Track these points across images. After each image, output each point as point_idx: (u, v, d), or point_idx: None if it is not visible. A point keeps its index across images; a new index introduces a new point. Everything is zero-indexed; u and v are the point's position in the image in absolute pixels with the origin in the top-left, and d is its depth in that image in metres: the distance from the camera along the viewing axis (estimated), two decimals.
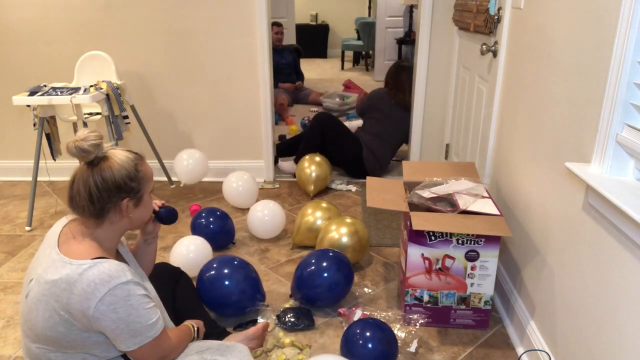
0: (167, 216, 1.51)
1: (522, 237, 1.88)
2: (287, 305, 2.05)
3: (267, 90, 3.26)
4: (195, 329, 1.51)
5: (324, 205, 2.53)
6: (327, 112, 3.50)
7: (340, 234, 2.28)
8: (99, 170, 1.23)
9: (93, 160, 1.24)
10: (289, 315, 1.95)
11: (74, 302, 1.16)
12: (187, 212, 2.96)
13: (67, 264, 1.18)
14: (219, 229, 2.48)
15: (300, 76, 5.69)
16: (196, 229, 2.48)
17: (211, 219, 2.49)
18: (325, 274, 1.97)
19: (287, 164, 3.56)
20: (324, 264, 1.99)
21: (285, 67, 5.48)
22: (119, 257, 1.40)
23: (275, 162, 3.61)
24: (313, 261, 2.02)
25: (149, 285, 1.40)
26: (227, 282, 1.90)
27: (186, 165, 3.04)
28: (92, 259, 1.20)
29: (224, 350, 1.43)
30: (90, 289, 1.15)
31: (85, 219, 1.27)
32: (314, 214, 2.48)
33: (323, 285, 1.97)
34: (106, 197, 1.24)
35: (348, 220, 2.34)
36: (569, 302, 1.45)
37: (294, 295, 2.05)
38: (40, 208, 3.05)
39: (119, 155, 1.27)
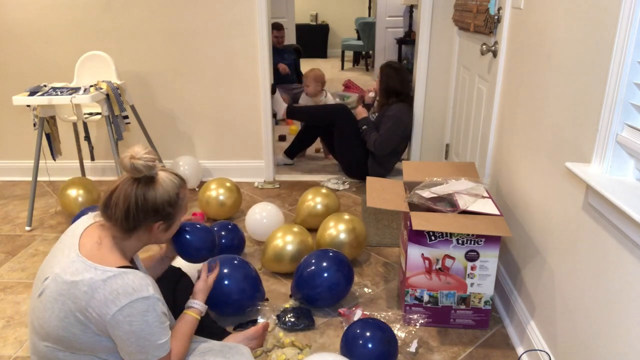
0: (184, 250, 1.51)
1: (522, 237, 1.88)
2: (287, 305, 2.05)
3: (267, 91, 3.26)
4: (200, 310, 1.50)
5: (323, 191, 2.62)
6: (347, 109, 3.35)
7: (338, 230, 2.28)
8: (143, 189, 1.25)
9: (141, 178, 1.26)
10: (288, 315, 1.95)
11: (94, 306, 1.17)
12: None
13: (91, 268, 1.19)
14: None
15: (300, 77, 5.67)
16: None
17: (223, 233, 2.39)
18: (326, 274, 1.97)
19: (279, 100, 3.47)
20: (324, 264, 1.99)
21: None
22: (132, 262, 1.41)
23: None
24: (313, 261, 2.02)
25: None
26: (226, 282, 1.90)
27: (182, 170, 3.18)
28: (118, 267, 1.21)
29: (226, 352, 1.43)
30: (112, 297, 1.17)
31: (115, 228, 1.28)
32: (315, 199, 2.58)
33: (323, 285, 1.97)
34: (142, 217, 1.26)
35: (346, 216, 2.35)
36: (569, 302, 1.45)
37: (294, 295, 2.05)
38: (40, 208, 3.05)
39: (166, 179, 1.29)
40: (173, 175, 1.33)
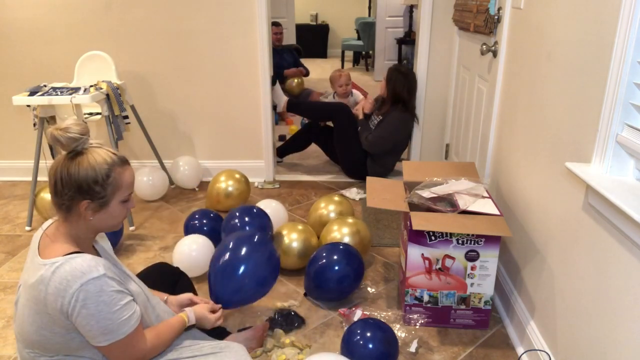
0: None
1: (522, 237, 1.88)
2: (278, 305, 2.06)
3: (267, 90, 3.26)
4: (188, 318, 1.47)
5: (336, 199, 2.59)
6: (349, 109, 3.35)
7: (342, 233, 2.28)
8: (68, 164, 1.20)
9: (70, 152, 1.22)
10: (279, 319, 1.95)
11: (50, 302, 1.15)
12: (186, 214, 2.96)
13: (42, 265, 1.17)
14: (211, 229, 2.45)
15: (305, 71, 5.66)
16: (189, 231, 2.45)
17: (204, 221, 2.47)
18: (337, 267, 2.00)
19: (279, 92, 3.48)
20: (335, 257, 2.02)
21: (285, 69, 5.47)
22: (95, 253, 1.35)
23: (280, 156, 3.57)
24: (324, 254, 2.05)
25: (134, 287, 1.35)
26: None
27: (182, 170, 3.21)
28: (65, 254, 1.18)
29: (217, 351, 1.41)
30: (62, 286, 1.14)
31: (55, 210, 1.24)
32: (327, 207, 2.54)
33: (333, 279, 2.00)
34: (66, 194, 1.20)
35: (350, 220, 2.34)
36: (569, 302, 1.45)
37: (309, 293, 2.09)
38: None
39: (95, 155, 1.22)
40: (108, 153, 1.24)
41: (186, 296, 1.62)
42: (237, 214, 2.32)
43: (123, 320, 1.20)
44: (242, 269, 1.70)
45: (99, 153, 1.23)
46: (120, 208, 1.28)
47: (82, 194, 1.21)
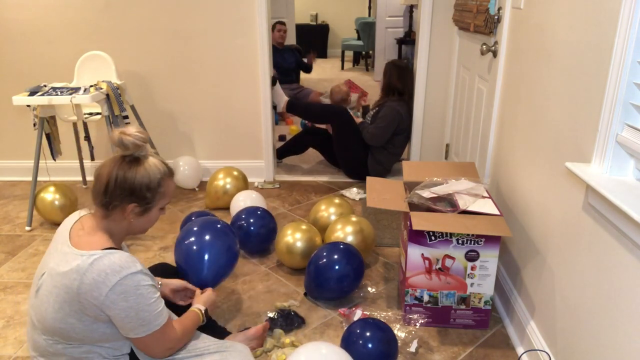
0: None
1: (522, 237, 1.88)
2: (278, 305, 2.06)
3: (267, 90, 3.26)
4: (203, 312, 1.53)
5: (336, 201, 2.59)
6: (348, 112, 3.38)
7: (345, 232, 2.28)
8: (126, 168, 1.28)
9: (128, 156, 1.30)
10: (279, 319, 1.95)
11: (85, 292, 1.19)
12: (185, 214, 2.96)
13: (78, 256, 1.22)
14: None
15: (308, 69, 5.66)
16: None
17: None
18: (337, 267, 2.00)
19: (280, 92, 3.50)
20: (335, 257, 2.02)
21: (285, 69, 5.47)
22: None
23: (279, 157, 3.58)
24: (324, 254, 2.05)
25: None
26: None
27: (182, 170, 3.23)
28: (103, 249, 1.23)
29: (222, 350, 1.43)
30: (101, 278, 1.19)
31: (95, 207, 1.32)
32: (328, 210, 2.54)
33: (333, 277, 2.00)
34: (117, 194, 1.28)
35: (354, 218, 2.34)
36: (569, 302, 1.45)
37: (309, 292, 2.09)
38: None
39: (151, 164, 1.31)
40: (161, 163, 1.34)
41: (178, 282, 1.67)
42: (244, 215, 2.43)
43: (158, 312, 1.27)
44: (204, 251, 1.82)
45: (154, 162, 1.33)
46: (156, 215, 1.39)
47: (132, 198, 1.29)
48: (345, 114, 3.32)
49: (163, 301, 1.31)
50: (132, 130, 1.28)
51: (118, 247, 1.32)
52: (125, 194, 1.28)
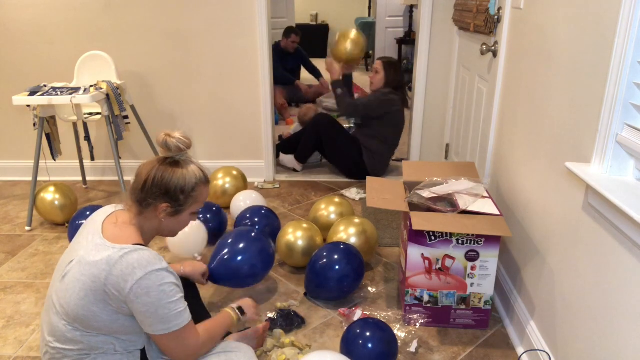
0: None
1: (522, 237, 1.88)
2: (278, 305, 2.06)
3: (267, 90, 3.26)
4: (236, 310, 1.56)
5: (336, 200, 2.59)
6: (326, 116, 3.42)
7: (348, 234, 2.27)
8: (165, 169, 1.34)
9: (169, 158, 1.36)
10: (279, 319, 1.95)
11: (112, 282, 1.23)
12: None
13: (110, 248, 1.26)
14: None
15: (316, 72, 5.62)
16: None
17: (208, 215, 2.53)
18: (337, 267, 2.00)
19: (288, 157, 3.57)
20: (336, 257, 2.02)
21: (288, 71, 5.48)
22: None
23: (277, 155, 3.62)
24: (325, 254, 2.05)
25: None
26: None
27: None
28: (134, 244, 1.28)
29: (228, 351, 1.44)
30: (128, 271, 1.23)
31: (131, 202, 1.37)
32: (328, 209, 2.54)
33: (333, 278, 2.00)
34: (153, 193, 1.34)
35: (356, 220, 2.33)
36: (569, 302, 1.45)
37: (309, 292, 2.09)
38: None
39: (189, 168, 1.37)
40: (199, 170, 1.40)
41: (202, 265, 1.82)
42: (248, 215, 2.46)
43: (178, 312, 1.28)
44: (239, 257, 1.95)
45: (193, 167, 1.39)
46: (187, 219, 1.44)
47: (166, 198, 1.35)
48: (326, 123, 3.33)
49: (186, 304, 1.32)
50: (177, 134, 1.34)
51: (146, 245, 1.35)
52: (160, 193, 1.34)
